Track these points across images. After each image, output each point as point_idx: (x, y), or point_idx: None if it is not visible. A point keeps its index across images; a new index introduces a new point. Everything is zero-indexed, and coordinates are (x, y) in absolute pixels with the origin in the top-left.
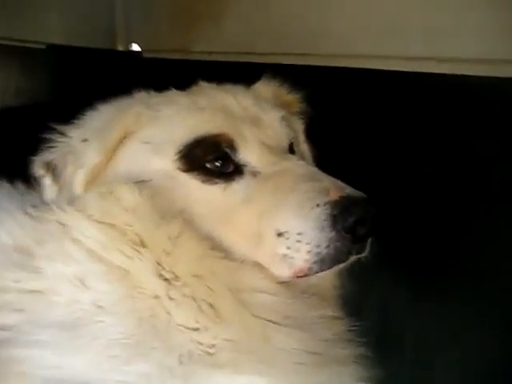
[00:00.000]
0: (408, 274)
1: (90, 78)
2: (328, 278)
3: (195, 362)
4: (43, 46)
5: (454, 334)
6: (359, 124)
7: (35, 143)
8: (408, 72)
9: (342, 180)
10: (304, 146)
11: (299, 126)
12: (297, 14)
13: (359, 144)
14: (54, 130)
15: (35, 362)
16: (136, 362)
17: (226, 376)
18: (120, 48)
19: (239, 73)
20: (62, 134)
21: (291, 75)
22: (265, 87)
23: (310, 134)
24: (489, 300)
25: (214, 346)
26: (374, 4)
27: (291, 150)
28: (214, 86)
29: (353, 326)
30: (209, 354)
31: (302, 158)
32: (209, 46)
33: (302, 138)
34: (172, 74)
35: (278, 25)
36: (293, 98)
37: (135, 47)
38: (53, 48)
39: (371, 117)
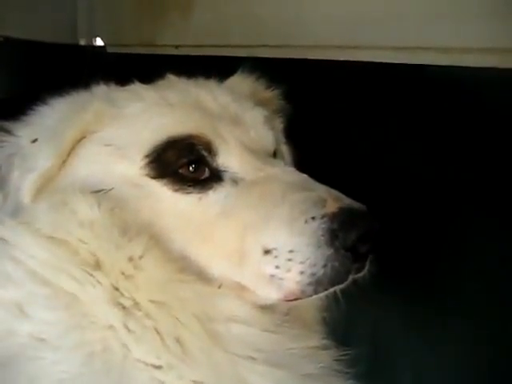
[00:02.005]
0: (402, 294)
1: (50, 73)
2: (313, 298)
3: None
4: (0, 39)
5: (450, 361)
6: (340, 121)
7: None
8: (386, 62)
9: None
10: (283, 148)
11: (278, 125)
12: (271, 3)
13: (341, 143)
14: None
15: None
16: None
17: None
18: (82, 42)
19: (209, 68)
20: (8, 132)
21: (266, 69)
22: (241, 82)
23: (290, 134)
24: (486, 326)
25: None
26: None
27: (274, 155)
28: (184, 80)
29: (340, 356)
30: None
31: (283, 161)
32: (176, 39)
33: (281, 138)
34: (137, 69)
35: (251, 15)
36: (271, 94)
37: (99, 41)
38: (12, 41)
39: (352, 112)
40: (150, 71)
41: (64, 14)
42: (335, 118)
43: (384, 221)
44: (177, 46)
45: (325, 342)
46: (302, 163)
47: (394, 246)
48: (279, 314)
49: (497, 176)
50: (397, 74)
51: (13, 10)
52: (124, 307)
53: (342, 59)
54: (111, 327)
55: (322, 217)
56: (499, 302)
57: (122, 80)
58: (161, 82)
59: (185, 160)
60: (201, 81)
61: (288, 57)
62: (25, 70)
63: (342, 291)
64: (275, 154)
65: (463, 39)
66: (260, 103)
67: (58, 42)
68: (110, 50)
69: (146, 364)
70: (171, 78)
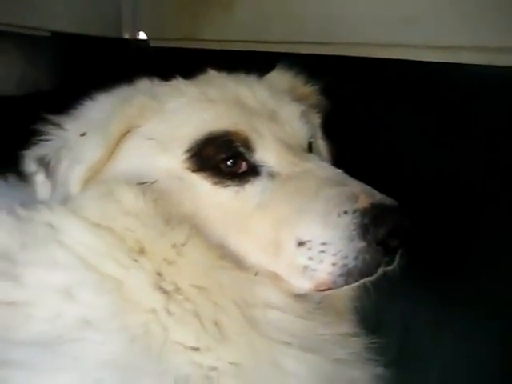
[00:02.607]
0: (430, 287)
1: (95, 66)
2: (346, 288)
3: None
4: (48, 34)
5: (476, 351)
6: (376, 117)
7: (27, 132)
8: (425, 62)
9: (365, 181)
10: (320, 143)
11: (316, 120)
12: (311, 1)
13: (377, 139)
14: (49, 121)
15: None
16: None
17: None
18: (126, 36)
19: (250, 62)
20: (58, 126)
21: (305, 65)
22: (280, 78)
23: (327, 130)
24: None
25: (215, 369)
26: None
27: (310, 148)
28: (224, 75)
29: (370, 344)
30: (209, 377)
31: (319, 155)
32: (218, 33)
33: (318, 133)
34: (179, 63)
35: (292, 12)
36: (309, 89)
37: (142, 35)
38: (58, 35)
39: (388, 109)
40: (191, 65)
41: (109, 7)
42: (372, 115)
43: (415, 215)
44: (218, 41)
45: (355, 329)
46: (338, 158)
47: (424, 239)
48: (312, 302)
49: None
50: (432, 72)
51: (59, 4)
52: (166, 291)
53: (379, 57)
54: (153, 311)
55: (354, 211)
56: None
57: (165, 73)
58: (202, 77)
59: (223, 156)
60: (241, 76)
61: (326, 53)
62: (70, 63)
63: (373, 282)
64: (310, 148)
65: (500, 39)
66: (298, 98)
67: (103, 36)
68: (152, 43)
69: (185, 347)
70: (212, 74)
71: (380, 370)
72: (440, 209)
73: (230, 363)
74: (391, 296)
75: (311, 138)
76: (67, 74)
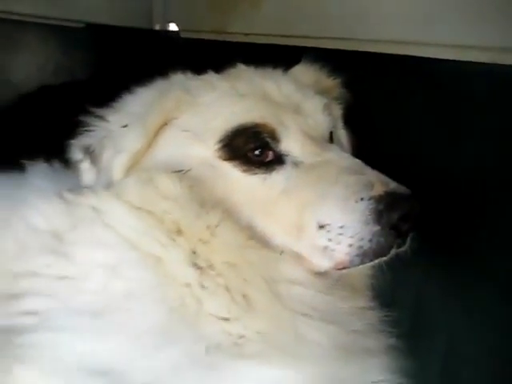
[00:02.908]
0: (441, 264)
1: (128, 57)
2: (362, 267)
3: (223, 352)
4: (82, 25)
5: (484, 324)
6: (394, 110)
7: (72, 122)
8: (447, 59)
9: (382, 170)
10: (342, 133)
11: (338, 112)
12: None
13: (394, 131)
14: (92, 113)
15: (62, 348)
16: (163, 350)
17: (253, 368)
18: (157, 27)
19: (276, 56)
20: (101, 118)
21: (329, 60)
22: (304, 71)
23: (348, 121)
24: None
25: (243, 336)
26: None
27: (331, 138)
28: (252, 69)
29: (384, 317)
30: (237, 344)
31: (340, 145)
32: (245, 27)
33: (340, 124)
34: (209, 55)
35: (317, 9)
36: (333, 82)
37: (173, 27)
38: (91, 27)
39: (408, 104)
40: (220, 57)
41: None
42: (390, 108)
43: (428, 199)
44: (245, 34)
45: (371, 304)
46: (358, 148)
47: (436, 220)
48: (332, 279)
49: None
50: (454, 70)
51: None
52: (200, 267)
53: (398, 53)
54: (188, 285)
55: (370, 198)
56: None
57: (194, 64)
58: (232, 71)
59: (252, 146)
60: (268, 70)
61: (348, 49)
62: (103, 53)
63: (388, 261)
64: (332, 138)
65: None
66: (321, 91)
67: (135, 27)
68: (183, 35)
69: (217, 317)
70: (241, 68)
71: (393, 341)
72: (451, 193)
73: (257, 332)
74: (405, 273)
75: (332, 128)
76: (100, 64)
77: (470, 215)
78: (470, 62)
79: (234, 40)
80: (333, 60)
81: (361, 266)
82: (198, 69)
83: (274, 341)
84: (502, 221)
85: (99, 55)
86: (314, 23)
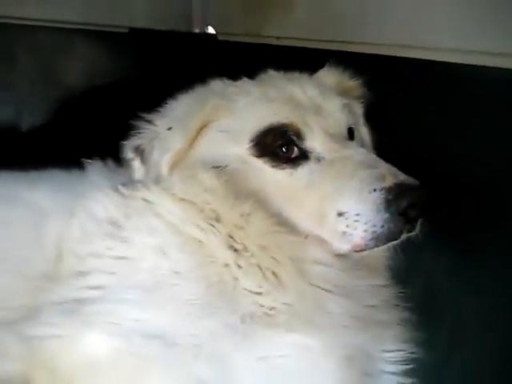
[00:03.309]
0: (450, 246)
1: (169, 59)
2: (379, 250)
3: (255, 322)
4: (126, 30)
5: (489, 303)
6: (414, 111)
7: (120, 121)
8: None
9: (398, 164)
10: (363, 129)
11: (359, 110)
12: (358, 5)
13: (411, 128)
14: (142, 117)
15: (122, 316)
16: (204, 319)
17: (281, 335)
18: (196, 30)
19: (305, 58)
20: (149, 122)
21: (354, 62)
22: (328, 74)
23: (370, 118)
24: None
25: (273, 308)
26: None
27: (352, 133)
28: (281, 75)
29: (399, 293)
30: (268, 315)
31: (361, 140)
32: (277, 31)
33: (361, 121)
34: (244, 56)
35: (342, 15)
36: (354, 83)
37: (211, 30)
38: (135, 31)
39: (418, 103)
40: (255, 59)
41: (181, 4)
42: (406, 108)
43: (437, 188)
44: (278, 38)
45: (386, 282)
46: (378, 143)
47: (445, 205)
48: (352, 260)
49: None
50: (479, 75)
51: (136, 3)
52: (236, 250)
53: (412, 57)
54: (226, 265)
55: (381, 189)
56: None
57: (231, 66)
58: (263, 77)
59: (279, 143)
60: (295, 75)
61: (370, 52)
62: (146, 55)
63: (402, 244)
64: (352, 134)
65: None
66: (344, 92)
67: (175, 30)
68: (220, 37)
69: (251, 291)
70: (271, 74)
71: (406, 315)
72: (461, 182)
73: (284, 304)
74: (417, 254)
75: (352, 125)
76: (144, 66)
77: (476, 203)
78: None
79: (267, 43)
80: (357, 63)
81: (376, 249)
82: (234, 70)
83: (299, 312)
84: (503, 208)
85: (143, 58)
86: (338, 28)
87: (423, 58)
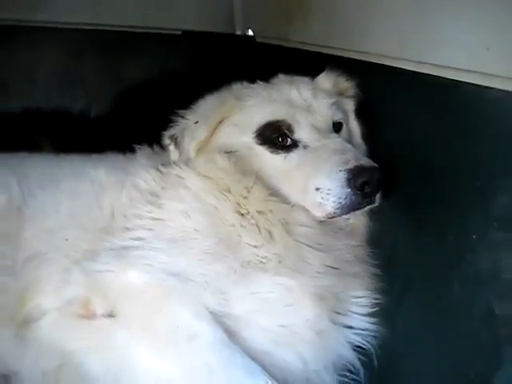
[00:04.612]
0: (410, 217)
1: (215, 57)
2: (360, 219)
3: (251, 267)
4: (179, 32)
5: (435, 261)
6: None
7: (166, 117)
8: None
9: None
10: (354, 123)
11: (351, 106)
12: (364, 20)
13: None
14: (177, 113)
15: (154, 259)
16: (213, 263)
17: (269, 277)
18: (238, 32)
19: (320, 62)
20: (182, 116)
21: (353, 67)
22: (326, 77)
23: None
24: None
25: (265, 257)
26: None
27: (339, 127)
28: (287, 78)
29: (370, 252)
30: (261, 262)
31: (350, 132)
32: (299, 36)
33: (352, 116)
34: (278, 58)
35: (349, 27)
36: (348, 84)
37: (250, 32)
38: (185, 33)
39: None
40: (284, 60)
41: (225, 8)
42: (395, 110)
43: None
44: (300, 42)
45: (361, 243)
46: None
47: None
48: (336, 226)
49: None
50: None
51: (187, 6)
52: (241, 213)
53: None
54: (233, 225)
55: (345, 170)
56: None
57: (266, 64)
58: (273, 80)
59: (276, 135)
60: (297, 78)
61: (367, 60)
62: (196, 55)
63: (374, 214)
64: (340, 128)
65: None
66: (339, 92)
67: (220, 32)
68: (258, 40)
69: (249, 245)
70: (279, 78)
71: (374, 270)
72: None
73: (274, 254)
74: (386, 223)
75: (340, 119)
76: (194, 63)
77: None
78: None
79: (293, 46)
80: (358, 69)
81: (359, 218)
82: (266, 69)
83: (285, 260)
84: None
85: (193, 56)
86: (347, 38)
87: (418, 70)
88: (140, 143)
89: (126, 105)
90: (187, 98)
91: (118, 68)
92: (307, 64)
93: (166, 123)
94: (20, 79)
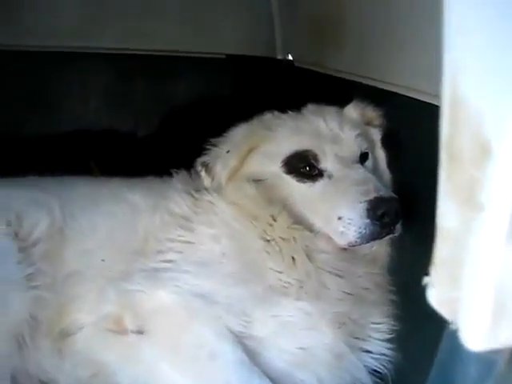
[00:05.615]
0: (425, 247)
1: (257, 80)
2: (382, 248)
3: (274, 291)
4: (223, 56)
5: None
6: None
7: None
8: None
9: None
10: (380, 152)
11: (377, 136)
12: (387, 49)
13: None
14: (210, 142)
15: (182, 281)
16: (237, 287)
17: (290, 301)
18: (279, 57)
19: (351, 89)
20: (215, 145)
21: (380, 97)
22: (354, 108)
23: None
24: None
25: (287, 282)
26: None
27: (365, 157)
28: (315, 108)
29: (390, 280)
30: (283, 287)
31: (376, 161)
32: (335, 64)
33: (378, 145)
34: (313, 82)
35: (375, 57)
36: (375, 114)
37: (289, 57)
38: (229, 57)
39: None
40: (321, 86)
41: (266, 32)
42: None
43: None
44: (335, 70)
45: (382, 271)
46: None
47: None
48: (359, 254)
49: None
50: None
51: (231, 31)
52: (267, 240)
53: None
54: (258, 250)
55: (365, 201)
56: None
57: (303, 88)
58: (303, 110)
59: (302, 164)
60: (326, 109)
61: (395, 91)
62: (240, 77)
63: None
64: (366, 157)
65: None
66: (367, 121)
67: (262, 56)
68: (296, 64)
69: (273, 270)
70: (308, 108)
71: (392, 296)
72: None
73: (296, 279)
74: (405, 250)
75: (366, 149)
76: (238, 86)
77: None
78: None
79: (327, 73)
80: (385, 99)
81: (381, 246)
82: (304, 94)
83: (306, 286)
84: None
85: (237, 79)
86: (372, 67)
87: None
88: (183, 163)
89: (171, 126)
90: (231, 119)
91: (164, 90)
92: (339, 90)
93: (205, 147)
94: (73, 101)
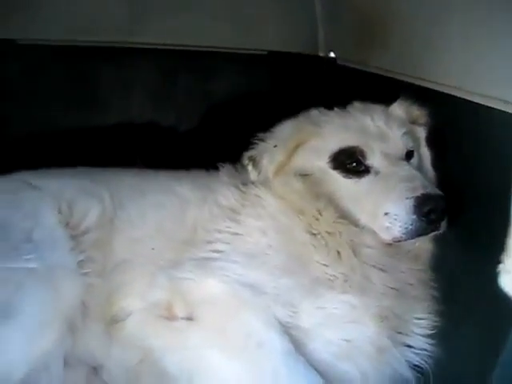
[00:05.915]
0: (469, 244)
1: (298, 77)
2: (425, 244)
3: (319, 283)
4: (265, 53)
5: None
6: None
7: (248, 138)
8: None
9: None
10: (424, 150)
11: (422, 134)
12: (433, 48)
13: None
14: (257, 136)
15: (230, 271)
16: (284, 278)
17: (336, 294)
18: (321, 54)
19: (396, 88)
20: (262, 139)
21: (425, 96)
22: (399, 106)
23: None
24: None
25: (333, 275)
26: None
27: (411, 154)
28: (362, 106)
29: (431, 276)
30: (329, 280)
31: (421, 159)
32: (379, 63)
33: (423, 143)
34: (356, 80)
35: (421, 55)
36: (420, 113)
37: (332, 54)
38: (270, 53)
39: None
40: (364, 84)
41: (308, 29)
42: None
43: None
44: (379, 68)
45: (425, 267)
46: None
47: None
48: (403, 249)
49: None
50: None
51: (273, 27)
52: (312, 233)
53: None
54: (304, 243)
55: (412, 198)
56: None
57: (345, 88)
58: (349, 108)
59: (349, 160)
60: (371, 106)
61: (440, 90)
62: (281, 74)
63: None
64: (411, 154)
65: None
66: (411, 120)
67: (304, 53)
68: (339, 62)
69: (319, 263)
70: (354, 105)
71: (434, 292)
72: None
73: (341, 273)
74: (448, 248)
75: (412, 148)
76: (278, 83)
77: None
78: None
79: (371, 71)
80: (431, 98)
81: (424, 243)
82: (346, 92)
83: (351, 280)
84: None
85: (277, 76)
86: (418, 66)
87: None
88: (225, 158)
89: (211, 121)
90: (271, 115)
91: (206, 86)
92: (383, 89)
93: (249, 141)
94: (118, 96)
